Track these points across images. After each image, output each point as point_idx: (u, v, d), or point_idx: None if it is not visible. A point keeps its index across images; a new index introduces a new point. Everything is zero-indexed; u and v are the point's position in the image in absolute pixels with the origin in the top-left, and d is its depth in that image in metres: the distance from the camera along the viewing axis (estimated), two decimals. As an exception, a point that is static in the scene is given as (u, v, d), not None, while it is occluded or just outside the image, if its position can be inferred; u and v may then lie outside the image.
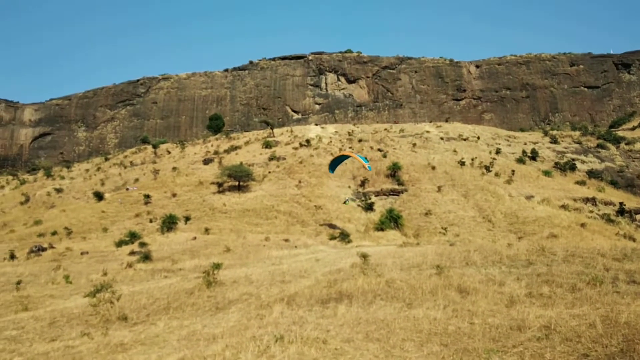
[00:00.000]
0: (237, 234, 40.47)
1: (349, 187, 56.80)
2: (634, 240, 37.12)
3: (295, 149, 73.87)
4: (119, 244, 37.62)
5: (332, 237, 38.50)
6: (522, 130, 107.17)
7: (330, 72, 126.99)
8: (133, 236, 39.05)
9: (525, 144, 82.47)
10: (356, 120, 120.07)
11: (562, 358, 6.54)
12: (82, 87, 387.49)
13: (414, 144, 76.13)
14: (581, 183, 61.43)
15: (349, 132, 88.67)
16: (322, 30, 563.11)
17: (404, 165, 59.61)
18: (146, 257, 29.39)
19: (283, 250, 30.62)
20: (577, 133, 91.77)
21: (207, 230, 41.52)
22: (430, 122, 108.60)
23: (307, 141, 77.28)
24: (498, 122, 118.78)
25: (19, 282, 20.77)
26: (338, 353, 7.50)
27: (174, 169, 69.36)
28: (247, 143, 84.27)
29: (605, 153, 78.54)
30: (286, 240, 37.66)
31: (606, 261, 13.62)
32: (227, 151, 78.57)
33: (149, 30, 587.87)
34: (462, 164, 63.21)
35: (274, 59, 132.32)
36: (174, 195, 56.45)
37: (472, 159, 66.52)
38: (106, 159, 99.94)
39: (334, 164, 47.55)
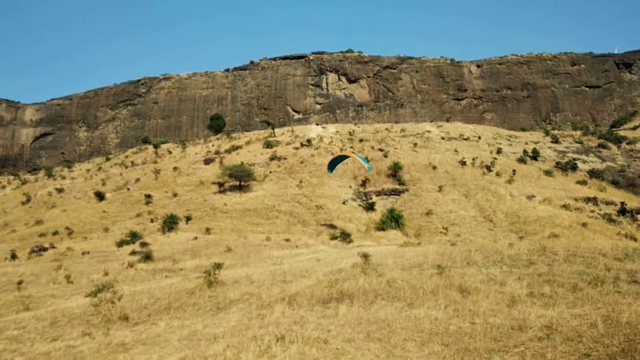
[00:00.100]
0: (238, 233, 40.48)
1: (350, 187, 56.78)
2: (636, 240, 37.07)
3: (296, 148, 73.88)
4: (120, 243, 37.65)
5: (333, 237, 38.50)
6: (523, 130, 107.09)
7: (331, 71, 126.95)
8: (134, 236, 39.08)
9: (526, 143, 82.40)
10: (357, 120, 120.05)
11: (564, 358, 6.53)
12: (83, 87, 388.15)
13: (415, 144, 76.10)
14: (582, 183, 61.36)
15: (350, 132, 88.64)
16: (323, 31, 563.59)
17: (405, 165, 59.59)
18: (147, 257, 29.41)
19: (284, 250, 30.64)
20: (578, 133, 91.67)
21: (208, 230, 41.54)
22: (431, 121, 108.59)
23: (308, 141, 77.29)
24: (499, 121, 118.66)
25: (20, 282, 20.79)
26: (339, 353, 7.50)
27: (175, 168, 69.39)
28: (248, 143, 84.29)
29: (607, 153, 78.44)
30: (287, 240, 37.66)
31: (607, 261, 13.60)
32: (228, 151, 78.59)
33: (150, 30, 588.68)
34: (463, 163, 63.16)
35: (274, 59, 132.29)
36: (175, 195, 56.48)
37: (473, 159, 66.47)
38: (107, 159, 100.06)
39: (333, 164, 47.55)
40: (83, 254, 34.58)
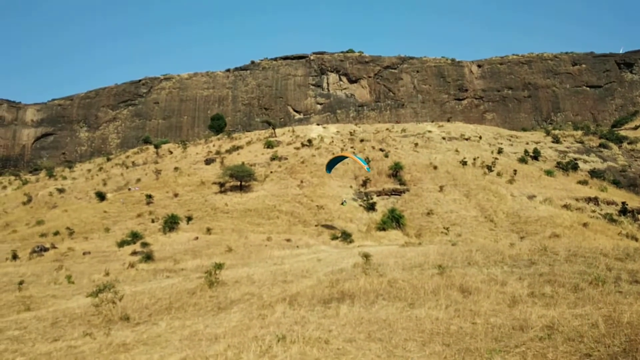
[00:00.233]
0: (239, 234, 40.51)
1: (351, 187, 56.79)
2: (637, 239, 37.02)
3: (297, 148, 73.90)
4: (121, 244, 37.69)
5: (334, 237, 38.51)
6: (524, 129, 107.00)
7: (332, 72, 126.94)
8: (135, 236, 39.12)
9: (527, 143, 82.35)
10: (358, 120, 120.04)
11: (565, 358, 6.52)
12: (84, 88, 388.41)
13: (416, 144, 76.07)
14: (583, 183, 61.29)
15: (350, 132, 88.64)
16: (324, 31, 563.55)
17: (405, 165, 59.59)
18: (148, 257, 29.45)
19: (285, 250, 30.66)
20: (579, 132, 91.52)
21: (209, 230, 41.57)
22: (432, 121, 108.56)
23: (309, 141, 77.30)
24: (500, 121, 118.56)
25: (21, 282, 20.82)
26: (340, 353, 7.50)
27: (176, 169, 69.44)
28: (248, 143, 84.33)
29: (608, 152, 78.35)
30: (288, 240, 37.68)
31: (608, 261, 13.58)
32: (228, 151, 78.64)
33: (151, 31, 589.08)
34: (464, 163, 63.12)
35: (275, 59, 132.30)
36: (176, 195, 56.53)
37: (474, 159, 66.44)
38: (108, 159, 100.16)
39: (332, 164, 47.52)
40: (84, 254, 34.63)
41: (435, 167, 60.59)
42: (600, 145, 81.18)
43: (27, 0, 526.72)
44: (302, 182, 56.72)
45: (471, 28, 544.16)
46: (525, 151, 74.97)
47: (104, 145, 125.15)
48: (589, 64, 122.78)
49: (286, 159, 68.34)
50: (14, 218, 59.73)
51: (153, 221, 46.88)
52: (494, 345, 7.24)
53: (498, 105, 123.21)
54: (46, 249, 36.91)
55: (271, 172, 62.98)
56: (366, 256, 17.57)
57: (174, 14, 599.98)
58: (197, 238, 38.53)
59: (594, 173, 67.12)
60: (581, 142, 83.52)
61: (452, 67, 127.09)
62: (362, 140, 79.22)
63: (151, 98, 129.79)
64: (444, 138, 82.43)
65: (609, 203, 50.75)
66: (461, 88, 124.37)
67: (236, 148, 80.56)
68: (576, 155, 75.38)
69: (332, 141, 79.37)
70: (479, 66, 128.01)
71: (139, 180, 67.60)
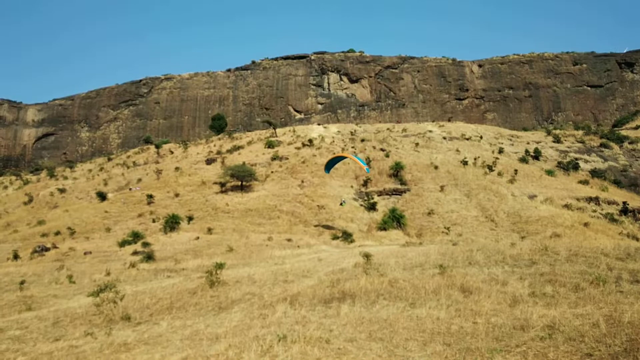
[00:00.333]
0: (240, 233, 40.52)
1: (352, 186, 56.80)
2: (638, 239, 36.98)
3: (298, 148, 73.90)
4: (122, 244, 37.72)
5: (335, 237, 38.52)
6: (524, 129, 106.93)
7: (332, 71, 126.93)
8: (136, 236, 39.15)
9: (528, 143, 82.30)
10: (358, 119, 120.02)
11: (566, 357, 6.52)
12: (85, 88, 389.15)
13: (417, 144, 76.04)
14: (584, 182, 61.26)
15: (351, 132, 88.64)
16: (325, 31, 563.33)
17: (406, 165, 59.59)
18: (149, 257, 29.48)
19: (286, 250, 30.67)
20: (580, 132, 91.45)
21: (209, 230, 41.59)
22: (433, 121, 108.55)
23: (310, 141, 77.29)
24: (501, 121, 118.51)
25: (22, 282, 20.85)
26: (341, 353, 7.50)
27: (177, 169, 69.47)
28: (249, 143, 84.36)
29: (609, 152, 78.29)
30: (289, 240, 37.69)
31: (609, 260, 13.58)
32: (229, 151, 78.66)
33: (152, 33, 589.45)
34: (465, 163, 63.10)
35: (276, 59, 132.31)
36: (177, 195, 56.56)
37: (475, 159, 66.42)
38: (109, 159, 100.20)
39: (330, 164, 47.48)
40: (85, 254, 34.67)
41: (436, 167, 60.57)
42: (601, 145, 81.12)
43: (28, 2, 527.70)
44: (303, 182, 56.72)
45: (472, 28, 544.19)
46: (526, 151, 74.95)
47: (105, 145, 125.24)
48: (590, 63, 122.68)
49: (287, 158, 68.34)
50: (15, 218, 59.79)
51: (154, 221, 46.90)
52: (495, 344, 7.24)
53: (499, 105, 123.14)
54: (47, 249, 36.96)
55: (272, 172, 62.99)
56: (367, 256, 17.58)
57: (175, 16, 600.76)
58: (198, 238, 38.55)
59: (594, 173, 67.07)
60: (582, 142, 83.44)
61: (453, 67, 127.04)
62: (362, 140, 79.21)
63: (152, 98, 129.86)
64: (444, 138, 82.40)
65: (609, 203, 50.70)
66: (462, 88, 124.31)
67: (237, 148, 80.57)
68: (577, 155, 75.32)
69: (333, 141, 79.36)
70: (480, 66, 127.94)
71: (139, 180, 67.63)
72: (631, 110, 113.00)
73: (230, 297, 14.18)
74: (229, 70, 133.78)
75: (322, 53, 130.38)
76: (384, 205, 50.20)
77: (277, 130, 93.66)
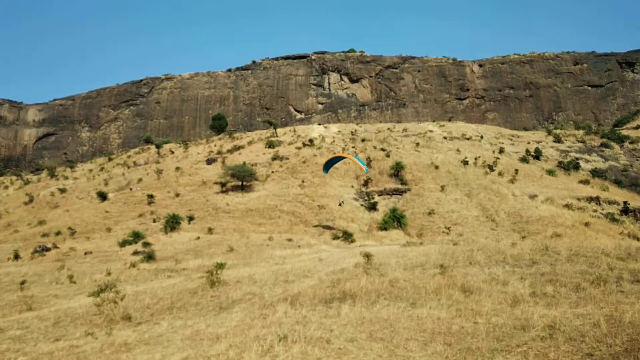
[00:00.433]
0: (241, 233, 40.53)
1: (352, 186, 56.78)
2: (638, 239, 36.97)
3: (299, 148, 73.88)
4: (123, 243, 37.76)
5: (335, 237, 38.53)
6: (525, 129, 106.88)
7: (333, 71, 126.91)
8: (136, 236, 39.18)
9: (528, 143, 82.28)
10: (359, 119, 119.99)
11: (566, 357, 6.51)
12: (86, 88, 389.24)
13: (417, 144, 76.02)
14: (585, 182, 61.22)
15: (352, 132, 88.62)
16: (325, 31, 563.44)
17: (407, 165, 59.56)
18: (150, 257, 29.49)
19: (286, 250, 30.68)
20: (581, 132, 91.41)
21: (210, 230, 41.60)
22: (434, 121, 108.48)
23: (310, 141, 77.27)
24: (501, 121, 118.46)
25: (23, 282, 20.86)
26: (342, 352, 7.50)
27: (177, 169, 69.50)
28: (250, 143, 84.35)
29: (609, 152, 78.26)
30: (289, 239, 37.70)
31: (610, 260, 13.56)
32: (230, 151, 78.67)
33: (152, 32, 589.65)
34: (466, 163, 63.06)
35: (276, 59, 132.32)
36: (178, 195, 56.59)
37: (476, 159, 66.39)
38: (109, 159, 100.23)
39: (329, 164, 47.46)
40: (86, 254, 34.70)
41: (436, 167, 60.54)
42: (602, 144, 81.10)
43: (29, 3, 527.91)
44: (303, 181, 56.72)
45: (472, 28, 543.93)
46: (527, 151, 74.91)
47: (106, 145, 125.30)
48: (591, 63, 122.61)
49: (287, 158, 68.33)
50: (16, 218, 59.83)
51: (154, 221, 46.93)
52: (496, 344, 7.23)
53: (499, 105, 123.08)
54: (48, 249, 36.99)
55: (272, 172, 63.00)
56: (367, 256, 17.56)
57: (176, 16, 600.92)
58: (198, 238, 38.56)
59: (595, 172, 67.05)
60: (583, 142, 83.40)
61: (454, 67, 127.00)
62: (363, 140, 79.18)
63: (152, 98, 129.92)
64: (445, 138, 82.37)
65: (610, 202, 50.68)
66: (462, 88, 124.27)
67: (237, 148, 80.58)
68: (578, 155, 75.30)
69: (334, 141, 79.32)
70: (481, 66, 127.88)
71: (140, 180, 67.66)
72: (632, 110, 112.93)
73: (231, 297, 14.18)
74: (229, 70, 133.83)
75: (323, 53, 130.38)
76: (384, 205, 50.19)
77: (278, 130, 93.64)
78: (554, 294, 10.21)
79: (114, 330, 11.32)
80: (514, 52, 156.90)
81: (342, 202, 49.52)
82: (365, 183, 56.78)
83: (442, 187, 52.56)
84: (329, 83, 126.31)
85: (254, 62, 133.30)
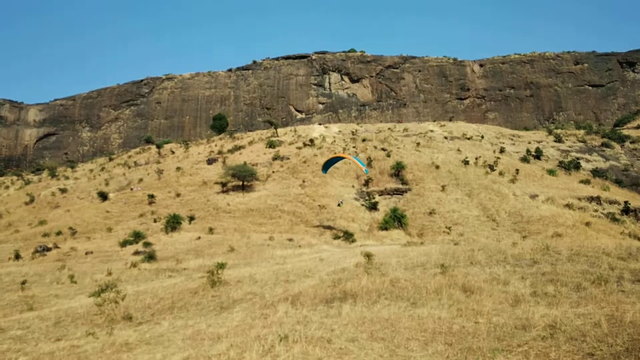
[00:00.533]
0: (241, 233, 40.54)
1: (353, 186, 56.77)
2: (639, 239, 36.92)
3: (299, 148, 73.87)
4: (124, 243, 37.78)
5: (336, 237, 38.53)
6: (526, 129, 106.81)
7: (333, 71, 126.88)
8: (137, 236, 39.20)
9: (529, 142, 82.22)
10: (360, 119, 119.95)
11: (567, 357, 6.51)
12: (86, 88, 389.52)
13: (418, 143, 75.97)
14: (586, 182, 61.16)
15: (352, 132, 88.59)
16: (326, 31, 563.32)
17: (407, 165, 59.52)
18: (150, 257, 29.51)
19: (287, 250, 30.69)
20: (582, 132, 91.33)
21: (211, 230, 41.60)
22: (434, 121, 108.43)
23: (311, 141, 77.25)
24: (502, 121, 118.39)
25: (24, 282, 20.86)
26: (342, 352, 7.50)
27: (178, 169, 69.51)
28: (250, 143, 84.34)
29: (610, 152, 78.20)
30: (290, 239, 37.69)
31: (611, 260, 13.55)
32: (230, 151, 78.66)
33: (152, 33, 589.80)
34: (466, 163, 63.02)
35: (277, 59, 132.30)
36: (178, 195, 56.60)
37: (476, 158, 66.34)
38: (110, 159, 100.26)
39: (328, 164, 47.43)
40: (86, 254, 34.72)
41: (437, 167, 60.51)
42: (603, 144, 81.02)
43: (31, 4, 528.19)
44: (304, 181, 56.72)
45: (473, 28, 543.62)
46: (528, 150, 74.85)
47: (106, 145, 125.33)
48: (591, 63, 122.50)
49: (288, 158, 68.33)
50: (17, 218, 59.87)
51: (155, 221, 46.95)
52: (497, 344, 7.23)
53: (500, 105, 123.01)
54: (49, 249, 37.01)
55: (273, 171, 63.00)
56: (368, 256, 17.57)
57: (176, 16, 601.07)
58: (199, 238, 38.57)
59: (596, 172, 66.99)
60: (583, 142, 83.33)
61: (454, 67, 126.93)
62: (364, 140, 79.15)
63: (153, 98, 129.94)
64: (446, 137, 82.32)
65: (611, 202, 50.62)
66: (463, 87, 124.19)
67: (238, 148, 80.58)
68: (578, 155, 75.24)
69: (334, 141, 79.30)
70: (481, 65, 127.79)
71: (141, 180, 67.68)
72: (632, 110, 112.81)
73: (232, 297, 14.19)
74: (230, 70, 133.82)
75: (323, 53, 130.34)
76: (385, 205, 50.17)
77: (279, 130, 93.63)
78: (555, 293, 10.21)
79: (115, 330, 11.33)
80: (514, 52, 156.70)
81: (341, 202, 49.42)
82: (366, 183, 56.76)
83: (443, 187, 52.53)
84: (330, 83, 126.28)
85: (254, 62, 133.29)
